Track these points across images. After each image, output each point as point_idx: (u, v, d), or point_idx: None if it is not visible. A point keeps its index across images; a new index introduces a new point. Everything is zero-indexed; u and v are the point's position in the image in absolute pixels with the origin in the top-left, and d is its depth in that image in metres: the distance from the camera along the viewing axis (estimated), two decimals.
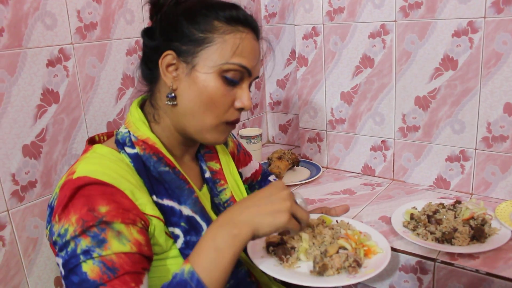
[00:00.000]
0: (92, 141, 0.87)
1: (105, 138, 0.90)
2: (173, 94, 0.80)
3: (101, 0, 1.16)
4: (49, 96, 1.07)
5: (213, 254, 0.68)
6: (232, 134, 1.11)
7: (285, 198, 0.73)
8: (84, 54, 1.14)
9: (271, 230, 0.71)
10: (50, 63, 1.06)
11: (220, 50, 0.78)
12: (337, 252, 0.81)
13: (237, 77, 0.80)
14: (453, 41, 1.25)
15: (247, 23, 0.81)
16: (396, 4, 1.32)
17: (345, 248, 0.82)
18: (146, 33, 0.84)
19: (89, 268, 0.66)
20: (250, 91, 0.83)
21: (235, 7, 0.81)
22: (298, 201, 0.77)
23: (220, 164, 0.95)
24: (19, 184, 1.02)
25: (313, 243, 0.84)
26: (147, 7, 0.87)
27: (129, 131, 0.81)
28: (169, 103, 0.80)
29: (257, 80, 0.85)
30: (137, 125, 0.82)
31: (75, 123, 1.14)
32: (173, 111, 0.82)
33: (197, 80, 0.78)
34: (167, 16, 0.81)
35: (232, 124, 0.83)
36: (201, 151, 0.95)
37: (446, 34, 1.26)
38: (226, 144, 1.05)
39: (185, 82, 0.79)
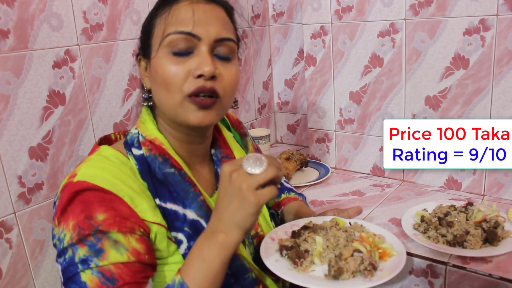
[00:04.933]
0: (107, 140, 0.86)
1: (121, 137, 0.89)
2: (147, 95, 0.81)
3: (107, 1, 1.16)
4: (55, 98, 1.06)
5: (201, 265, 0.68)
6: (252, 138, 1.09)
7: (237, 183, 0.66)
8: (90, 55, 1.13)
9: (252, 219, 0.67)
10: (56, 65, 1.06)
11: (158, 30, 0.77)
12: (352, 255, 0.79)
13: (184, 45, 0.74)
14: (465, 40, 1.23)
15: None
16: (406, 2, 1.30)
17: (359, 251, 0.81)
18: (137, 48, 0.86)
19: (88, 278, 0.65)
20: (227, 59, 0.77)
21: None
22: (249, 170, 0.67)
23: None
24: (26, 186, 1.02)
25: (327, 246, 0.83)
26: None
27: (138, 132, 0.80)
28: (145, 103, 0.81)
29: (223, 42, 0.76)
30: (146, 125, 0.81)
31: (82, 125, 1.13)
32: (156, 110, 0.82)
33: (152, 69, 0.78)
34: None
35: (198, 96, 0.74)
36: (219, 155, 0.91)
37: (457, 32, 1.24)
38: (246, 148, 1.02)
39: (150, 76, 0.80)
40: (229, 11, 0.82)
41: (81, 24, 1.11)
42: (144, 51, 0.80)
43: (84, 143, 1.14)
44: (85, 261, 0.66)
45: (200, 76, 0.73)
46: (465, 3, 1.20)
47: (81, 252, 0.66)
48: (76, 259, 0.66)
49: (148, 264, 0.70)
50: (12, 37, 0.97)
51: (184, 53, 0.74)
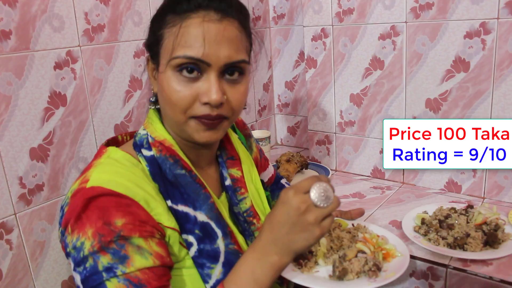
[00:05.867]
0: (115, 141, 0.85)
1: (128, 138, 0.88)
2: (151, 99, 0.81)
3: (109, 2, 1.16)
4: (56, 99, 1.06)
5: (253, 286, 0.69)
6: (256, 139, 1.09)
7: (306, 218, 0.67)
8: (91, 56, 1.13)
9: (308, 248, 0.71)
10: (58, 66, 1.06)
11: (167, 44, 0.73)
12: (356, 256, 0.79)
13: (193, 70, 0.71)
14: (465, 43, 1.23)
15: (197, 6, 0.72)
16: (407, 5, 1.31)
17: (363, 252, 0.81)
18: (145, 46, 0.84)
19: (115, 287, 0.64)
20: (232, 79, 0.74)
21: None
22: (317, 202, 0.67)
23: (242, 172, 0.91)
24: (26, 187, 1.02)
25: (331, 247, 0.83)
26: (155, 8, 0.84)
27: (147, 133, 0.79)
28: (151, 107, 0.80)
29: (234, 65, 0.73)
30: (154, 126, 0.80)
31: (83, 126, 1.13)
32: (163, 114, 0.81)
33: (159, 80, 0.76)
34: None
35: (205, 119, 0.73)
36: (224, 157, 0.90)
37: (458, 35, 1.24)
38: (250, 149, 1.02)
39: (157, 83, 0.78)
40: (244, 22, 0.77)
41: (83, 25, 1.11)
42: (153, 54, 0.78)
43: (85, 145, 1.14)
44: (110, 269, 0.64)
45: (207, 103, 0.72)
46: (466, 7, 1.20)
47: (104, 260, 0.65)
48: (100, 268, 0.64)
49: (169, 266, 0.70)
50: (14, 37, 0.97)
51: (192, 76, 0.72)
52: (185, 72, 0.72)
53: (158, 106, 0.80)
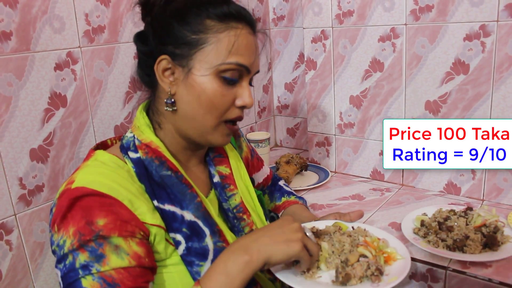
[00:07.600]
0: (104, 146, 0.86)
1: (117, 142, 0.89)
2: (171, 100, 0.78)
3: (109, 3, 1.16)
4: (56, 100, 1.06)
5: (223, 279, 0.68)
6: (246, 139, 1.10)
7: (296, 229, 0.74)
8: (92, 57, 1.13)
9: (283, 259, 0.71)
10: (58, 67, 1.06)
11: (215, 50, 0.75)
12: (358, 260, 0.79)
13: (236, 75, 0.77)
14: (465, 45, 1.23)
15: (241, 17, 0.78)
16: (407, 7, 1.31)
17: (365, 256, 0.81)
18: (138, 37, 0.82)
19: (89, 284, 0.65)
20: (252, 86, 0.82)
21: (226, 1, 0.77)
22: (307, 234, 0.77)
23: (231, 169, 0.92)
24: (26, 188, 1.02)
25: (333, 252, 0.83)
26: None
27: (134, 135, 0.80)
28: (168, 109, 0.78)
29: (257, 74, 0.84)
30: (141, 129, 0.81)
31: (83, 127, 1.13)
32: (174, 116, 0.80)
33: (194, 83, 0.76)
34: (157, 19, 0.78)
35: (233, 122, 0.82)
36: (211, 155, 0.92)
37: (457, 37, 1.24)
38: (240, 149, 1.03)
39: (182, 86, 0.77)
40: None
41: (83, 27, 1.11)
42: (178, 56, 0.76)
43: (85, 145, 1.14)
44: (86, 267, 0.66)
45: (242, 107, 0.80)
46: (466, 9, 1.21)
47: (82, 257, 0.66)
48: (77, 265, 0.66)
49: (148, 267, 0.71)
50: (15, 38, 0.97)
51: (234, 81, 0.78)
52: (229, 77, 0.77)
53: (175, 108, 0.79)
